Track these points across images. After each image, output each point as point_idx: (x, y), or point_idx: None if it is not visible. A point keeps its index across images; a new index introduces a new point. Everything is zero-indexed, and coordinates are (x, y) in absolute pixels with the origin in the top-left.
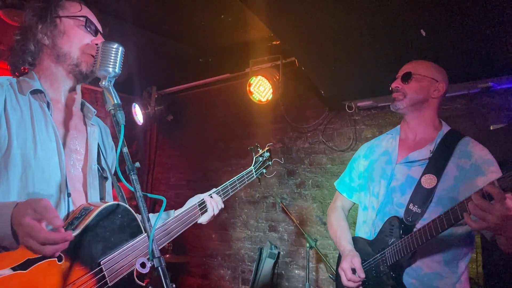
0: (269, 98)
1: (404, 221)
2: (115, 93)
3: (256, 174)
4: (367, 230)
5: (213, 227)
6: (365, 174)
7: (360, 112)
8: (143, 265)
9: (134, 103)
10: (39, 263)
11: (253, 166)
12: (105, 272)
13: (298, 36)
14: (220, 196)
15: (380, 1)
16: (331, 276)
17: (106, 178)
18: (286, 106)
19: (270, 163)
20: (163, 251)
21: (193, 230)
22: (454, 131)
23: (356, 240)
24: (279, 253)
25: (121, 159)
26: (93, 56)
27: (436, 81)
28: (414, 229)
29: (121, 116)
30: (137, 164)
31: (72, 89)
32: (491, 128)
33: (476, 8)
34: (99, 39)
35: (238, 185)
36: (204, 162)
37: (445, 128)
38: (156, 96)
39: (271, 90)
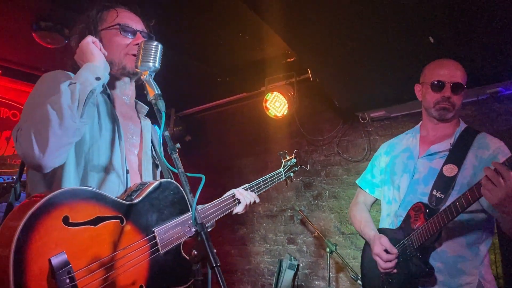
0: (285, 113)
1: (428, 205)
2: (156, 85)
3: (284, 176)
4: (390, 221)
5: (232, 243)
6: (387, 169)
7: (373, 123)
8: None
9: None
10: (106, 221)
11: (282, 168)
12: (157, 240)
13: (314, 48)
14: (254, 191)
15: (393, 14)
16: (353, 276)
17: (157, 166)
18: (301, 121)
19: (296, 168)
20: None
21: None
22: (470, 127)
23: (381, 231)
24: (298, 264)
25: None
26: (134, 55)
27: (465, 89)
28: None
29: (162, 104)
30: (178, 145)
31: (127, 86)
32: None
33: (483, 18)
34: (139, 39)
35: (269, 182)
36: (222, 180)
37: (463, 125)
38: (174, 118)
39: (286, 105)
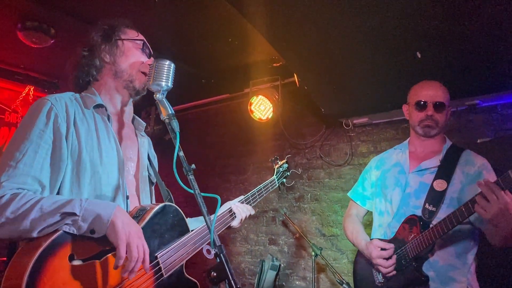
0: (270, 117)
1: (422, 218)
2: (169, 104)
3: (278, 183)
4: (382, 232)
5: None
6: (378, 182)
7: (356, 129)
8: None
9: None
10: (110, 254)
11: (275, 175)
12: (161, 265)
13: (302, 56)
14: (249, 203)
15: (380, 29)
16: (338, 280)
17: (153, 183)
18: (284, 124)
19: (288, 173)
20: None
21: None
22: (455, 145)
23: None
24: (280, 265)
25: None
26: (145, 74)
27: (449, 107)
28: (431, 225)
29: (176, 124)
30: (193, 166)
31: (126, 103)
32: (478, 141)
33: (463, 38)
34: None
35: (264, 192)
36: (203, 180)
37: (449, 142)
38: (154, 116)
39: (271, 109)
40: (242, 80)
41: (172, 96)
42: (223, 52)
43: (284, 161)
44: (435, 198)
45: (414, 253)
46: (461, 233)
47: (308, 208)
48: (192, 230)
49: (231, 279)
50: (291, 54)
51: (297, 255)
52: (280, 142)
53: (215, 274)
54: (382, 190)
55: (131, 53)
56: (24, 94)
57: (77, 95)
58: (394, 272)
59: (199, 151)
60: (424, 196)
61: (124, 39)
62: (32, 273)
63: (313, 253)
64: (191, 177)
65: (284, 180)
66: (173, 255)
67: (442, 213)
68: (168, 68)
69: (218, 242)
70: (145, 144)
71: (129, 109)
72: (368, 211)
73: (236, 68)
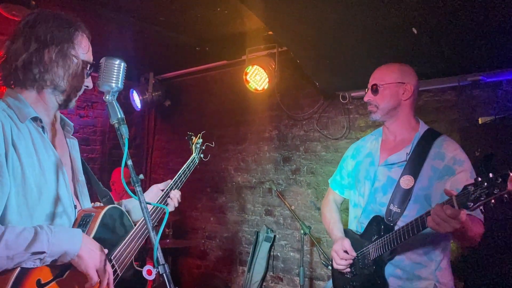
0: (265, 87)
1: (385, 220)
2: (119, 107)
3: (197, 160)
4: (355, 225)
5: (211, 211)
6: (353, 174)
7: (354, 102)
8: (149, 272)
9: (131, 89)
10: (69, 269)
11: (194, 153)
12: (116, 266)
13: (293, 31)
14: (177, 187)
15: (376, 3)
16: (324, 262)
17: (89, 184)
18: (281, 95)
19: (203, 147)
20: (163, 236)
21: (192, 213)
22: (431, 130)
23: (347, 232)
24: (275, 236)
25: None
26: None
27: (403, 84)
28: (395, 227)
29: (125, 130)
30: (141, 176)
31: (57, 109)
32: (479, 121)
33: (466, 12)
34: (89, 81)
35: (188, 172)
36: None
37: (422, 129)
38: (153, 81)
39: (267, 79)
40: (238, 47)
41: (168, 62)
42: (215, 20)
43: (198, 136)
44: (400, 197)
45: (374, 255)
46: (428, 231)
47: (304, 181)
48: (135, 224)
49: None
50: (280, 28)
51: (292, 227)
52: (277, 113)
53: None
54: (356, 183)
55: (76, 73)
56: None
57: (4, 105)
58: (348, 269)
59: (198, 118)
60: (391, 192)
61: (67, 48)
62: None
63: (302, 232)
64: (138, 188)
65: (202, 155)
66: (124, 253)
67: (408, 212)
68: (118, 68)
69: (162, 261)
70: (76, 147)
71: (58, 113)
72: (346, 198)
73: (231, 36)
